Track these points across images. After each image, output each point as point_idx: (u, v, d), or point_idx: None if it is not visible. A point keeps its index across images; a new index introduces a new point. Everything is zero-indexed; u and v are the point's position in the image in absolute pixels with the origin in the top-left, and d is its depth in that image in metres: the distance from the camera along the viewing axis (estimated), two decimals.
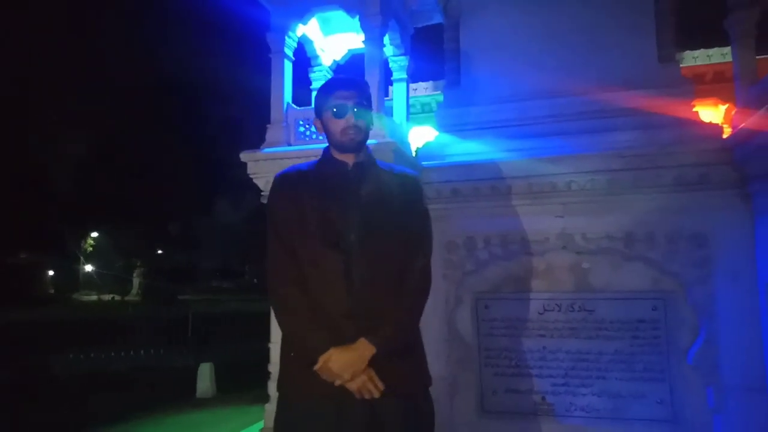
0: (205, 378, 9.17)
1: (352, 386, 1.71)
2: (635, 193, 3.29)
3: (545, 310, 3.53)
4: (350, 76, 2.07)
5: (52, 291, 33.77)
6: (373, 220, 1.84)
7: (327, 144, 2.03)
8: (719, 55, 8.59)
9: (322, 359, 1.74)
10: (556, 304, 3.51)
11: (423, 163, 3.75)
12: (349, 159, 1.98)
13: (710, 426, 3.15)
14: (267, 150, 3.61)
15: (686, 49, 9.13)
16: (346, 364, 1.70)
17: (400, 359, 1.81)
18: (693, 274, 3.20)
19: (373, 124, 2.04)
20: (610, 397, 3.36)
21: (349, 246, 1.81)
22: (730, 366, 3.12)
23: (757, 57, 3.46)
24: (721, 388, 3.12)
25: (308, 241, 1.85)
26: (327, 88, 2.00)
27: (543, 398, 3.49)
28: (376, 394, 1.72)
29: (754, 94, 2.99)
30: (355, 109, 1.96)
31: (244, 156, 3.62)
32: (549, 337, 3.50)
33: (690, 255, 3.21)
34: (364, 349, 1.73)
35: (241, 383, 8.95)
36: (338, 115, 1.98)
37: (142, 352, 12.39)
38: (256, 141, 3.77)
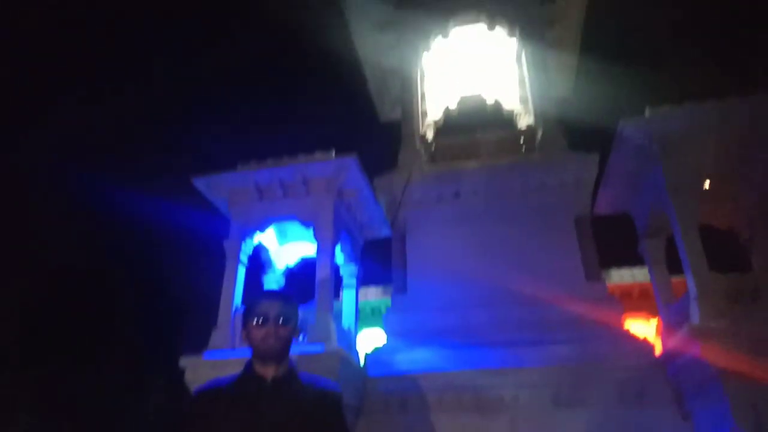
0: None
1: None
2: (578, 410, 3.28)
3: None
4: (275, 290, 2.14)
5: None
6: None
7: (249, 358, 2.02)
8: (642, 274, 9.36)
9: None
10: None
11: (371, 372, 3.69)
12: (269, 371, 1.96)
13: None
14: (208, 355, 3.50)
15: (612, 267, 10.02)
16: None
17: None
18: None
19: (295, 336, 2.06)
20: None
21: None
22: None
23: (673, 277, 3.84)
24: None
25: None
26: (253, 300, 2.06)
27: None
28: None
29: (674, 313, 3.24)
30: (278, 319, 2.00)
31: (184, 361, 3.48)
32: None
33: None
34: None
35: None
36: (260, 324, 2.01)
37: None
38: (197, 341, 3.68)
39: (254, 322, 2.02)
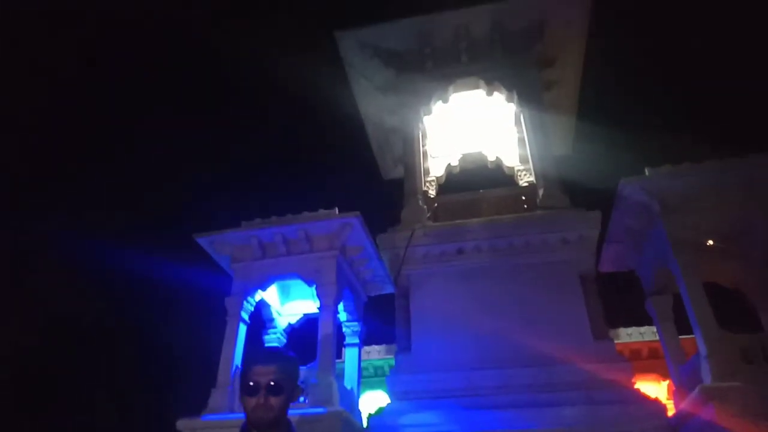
0: None
1: None
2: None
3: None
4: (274, 348, 2.04)
5: None
6: None
7: (243, 425, 1.94)
8: (650, 333, 9.15)
9: None
10: None
11: None
12: None
13: None
14: (206, 417, 3.40)
15: (620, 326, 9.79)
16: None
17: None
18: None
19: (293, 399, 1.97)
20: None
21: None
22: None
23: (682, 337, 3.77)
24: None
25: None
26: (247, 363, 1.98)
27: None
28: None
29: (685, 374, 3.16)
30: (270, 387, 1.91)
31: (181, 424, 3.38)
32: None
33: None
34: None
35: None
36: (251, 393, 1.93)
37: None
38: (186, 405, 3.59)
39: (246, 391, 1.94)
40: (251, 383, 1.92)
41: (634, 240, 4.16)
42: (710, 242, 3.79)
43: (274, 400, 1.91)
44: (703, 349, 2.93)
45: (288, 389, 2.00)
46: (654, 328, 8.75)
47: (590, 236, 4.38)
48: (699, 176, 3.69)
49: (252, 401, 1.90)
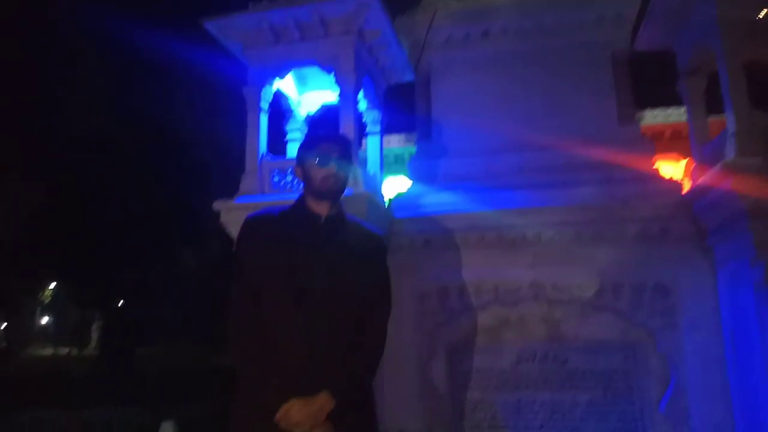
0: None
1: None
2: (601, 246, 3.40)
3: (519, 360, 3.53)
4: (334, 132, 2.18)
5: (4, 345, 31.91)
6: (338, 278, 1.96)
7: (302, 193, 2.08)
8: (677, 114, 9.18)
9: (283, 409, 1.76)
10: (529, 355, 3.51)
11: (396, 214, 3.80)
12: (323, 210, 2.03)
13: None
14: (240, 199, 3.61)
15: (646, 108, 9.71)
16: (307, 415, 1.73)
17: (355, 412, 1.85)
18: (659, 323, 3.28)
19: (349, 179, 2.11)
20: None
21: (314, 302, 1.84)
22: (699, 414, 3.15)
23: (710, 118, 3.71)
24: None
25: (273, 293, 1.87)
26: (313, 140, 2.12)
27: None
28: None
29: (707, 152, 3.18)
30: (338, 161, 2.05)
31: (217, 205, 3.61)
32: (524, 388, 3.49)
33: (655, 305, 3.30)
34: (324, 401, 1.76)
35: None
36: (321, 164, 2.09)
37: (97, 410, 11.68)
38: (224, 190, 3.78)
39: (315, 161, 2.07)
40: (320, 156, 2.07)
41: (676, 17, 3.82)
42: (761, 14, 3.47)
43: (341, 173, 2.08)
44: (731, 125, 2.89)
45: (351, 167, 2.19)
46: (680, 110, 8.70)
47: (629, 13, 4.03)
48: None
49: (323, 171, 2.08)
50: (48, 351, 31.60)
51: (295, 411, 1.74)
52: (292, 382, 1.77)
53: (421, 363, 3.63)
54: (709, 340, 3.18)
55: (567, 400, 3.39)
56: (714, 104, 3.58)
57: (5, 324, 33.45)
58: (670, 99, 8.84)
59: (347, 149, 2.05)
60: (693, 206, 3.15)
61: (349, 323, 1.88)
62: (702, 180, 2.96)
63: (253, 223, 2.03)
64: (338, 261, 1.92)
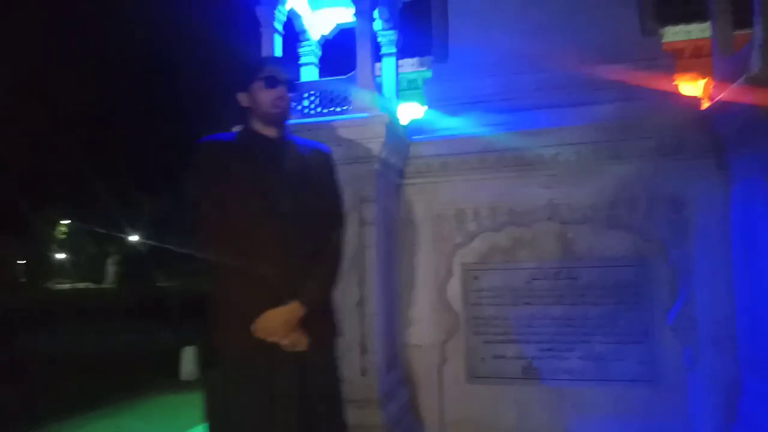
0: (189, 361, 9.16)
1: (285, 342, 1.86)
2: (617, 163, 3.42)
3: (532, 279, 3.66)
4: (278, 56, 2.12)
5: (24, 280, 32.97)
6: (300, 193, 1.99)
7: (247, 120, 2.08)
8: (698, 31, 8.85)
9: (260, 320, 1.84)
10: (542, 273, 3.64)
11: (412, 138, 3.81)
12: (271, 133, 2.05)
13: (685, 384, 3.34)
14: None
15: (667, 25, 9.33)
16: (282, 323, 1.84)
17: (322, 316, 2.01)
18: (671, 237, 3.36)
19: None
20: (593, 359, 3.52)
21: (283, 215, 1.91)
22: (705, 324, 3.29)
23: (735, 32, 3.59)
24: (697, 348, 3.30)
25: (241, 207, 1.90)
26: (257, 61, 2.09)
27: (530, 363, 3.63)
28: (304, 347, 1.89)
29: (730, 66, 3.11)
30: (288, 83, 2.07)
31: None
32: (535, 304, 3.64)
33: (669, 219, 3.36)
34: (296, 309, 1.87)
35: None
36: (269, 85, 2.08)
37: (121, 335, 12.28)
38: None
39: (261, 84, 2.07)
40: (267, 77, 2.07)
41: None
42: None
43: (288, 96, 2.10)
44: (759, 36, 2.81)
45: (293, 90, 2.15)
46: (702, 26, 8.39)
47: None
48: None
49: (272, 93, 2.08)
50: (66, 285, 32.70)
51: (270, 320, 1.84)
52: (267, 292, 1.86)
53: (438, 282, 3.76)
54: (719, 254, 3.26)
55: (578, 313, 3.54)
56: (741, 17, 3.46)
57: (23, 260, 34.43)
58: (692, 15, 8.51)
59: (296, 74, 2.05)
60: (711, 121, 3.14)
61: (315, 235, 1.97)
62: (723, 95, 2.92)
63: (211, 144, 2.04)
64: (297, 177, 1.98)
